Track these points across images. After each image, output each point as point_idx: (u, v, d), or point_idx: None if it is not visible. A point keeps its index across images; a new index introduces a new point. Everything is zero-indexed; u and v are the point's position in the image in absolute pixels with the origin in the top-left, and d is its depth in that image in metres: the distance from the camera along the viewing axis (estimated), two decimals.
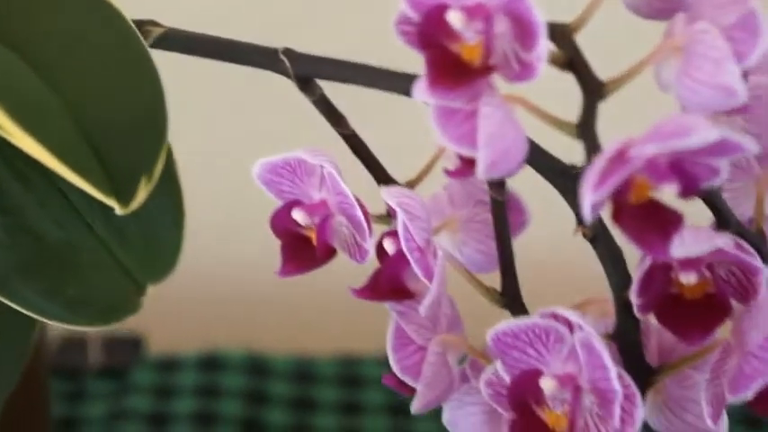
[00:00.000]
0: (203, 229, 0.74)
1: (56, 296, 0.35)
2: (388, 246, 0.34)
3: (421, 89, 0.29)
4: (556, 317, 0.31)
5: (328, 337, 0.74)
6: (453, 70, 0.29)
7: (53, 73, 0.34)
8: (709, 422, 0.32)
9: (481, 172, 0.29)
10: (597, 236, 0.32)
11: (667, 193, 0.28)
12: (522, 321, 0.31)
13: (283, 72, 0.36)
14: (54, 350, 0.71)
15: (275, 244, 0.36)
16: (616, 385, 0.30)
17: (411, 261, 0.33)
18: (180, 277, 0.71)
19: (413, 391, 0.35)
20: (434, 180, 0.38)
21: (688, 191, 0.28)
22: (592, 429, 0.31)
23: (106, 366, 0.71)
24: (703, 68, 0.29)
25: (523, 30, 0.29)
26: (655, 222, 0.28)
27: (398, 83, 0.33)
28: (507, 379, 0.32)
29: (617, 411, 0.30)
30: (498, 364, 0.32)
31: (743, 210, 0.35)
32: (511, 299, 0.35)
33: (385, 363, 0.70)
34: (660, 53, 0.30)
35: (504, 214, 0.35)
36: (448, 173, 0.34)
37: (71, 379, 0.70)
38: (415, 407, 0.35)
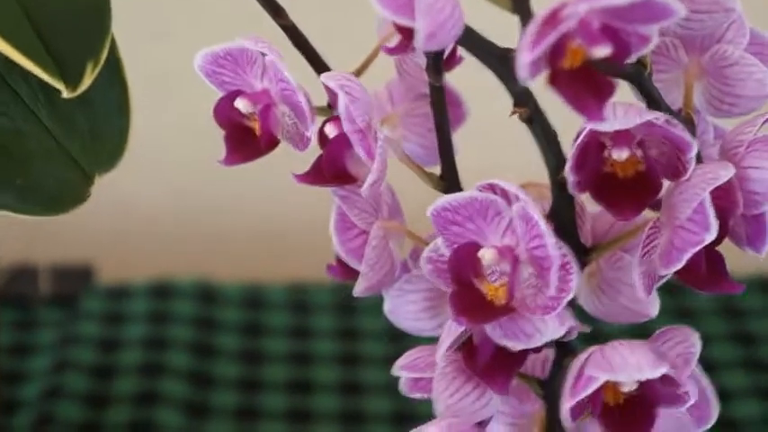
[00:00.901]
0: (155, 160, 0.75)
1: (4, 186, 0.36)
2: (330, 130, 0.35)
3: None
4: (494, 189, 0.32)
5: (279, 267, 0.74)
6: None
7: None
8: (642, 295, 0.33)
9: (420, 42, 0.30)
10: (533, 117, 0.33)
11: None
12: (461, 195, 0.32)
13: None
14: (3, 279, 0.72)
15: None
16: (553, 251, 0.31)
17: (353, 142, 0.34)
18: (131, 208, 0.71)
19: (356, 275, 0.36)
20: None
21: (620, 56, 0.29)
22: (529, 300, 0.32)
23: (56, 295, 0.72)
24: None
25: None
26: (590, 87, 0.29)
27: None
28: (447, 254, 0.33)
29: (554, 278, 0.31)
30: (439, 240, 0.33)
31: (672, 98, 0.36)
32: (450, 183, 0.36)
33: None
34: None
35: (442, 100, 0.35)
36: (388, 50, 0.35)
37: (21, 308, 0.71)
38: (358, 290, 0.36)
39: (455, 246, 0.33)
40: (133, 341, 0.68)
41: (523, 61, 0.28)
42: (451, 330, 0.33)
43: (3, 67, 0.35)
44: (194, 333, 0.69)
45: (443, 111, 0.36)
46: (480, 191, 0.32)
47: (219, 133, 0.36)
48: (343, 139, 0.34)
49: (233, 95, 0.36)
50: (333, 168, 0.35)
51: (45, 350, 0.68)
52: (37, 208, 0.36)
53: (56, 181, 0.36)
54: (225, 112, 0.36)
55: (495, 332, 0.33)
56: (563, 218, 0.34)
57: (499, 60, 0.33)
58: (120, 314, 0.70)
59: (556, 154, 0.34)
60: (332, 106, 0.36)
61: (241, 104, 0.36)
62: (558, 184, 0.34)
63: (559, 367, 0.35)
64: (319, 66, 0.37)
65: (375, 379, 0.67)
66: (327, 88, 0.35)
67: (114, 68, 0.36)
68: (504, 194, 0.32)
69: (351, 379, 0.67)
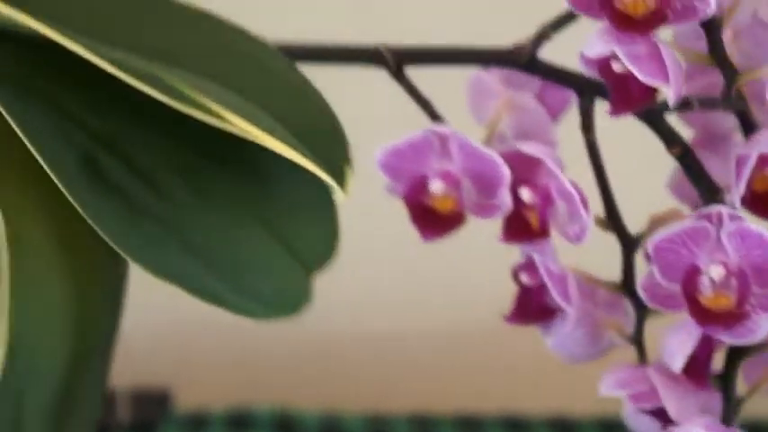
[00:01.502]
0: None
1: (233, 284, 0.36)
2: (525, 279, 0.40)
3: None
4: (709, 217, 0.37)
5: (358, 397, 0.74)
6: None
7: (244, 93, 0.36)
8: None
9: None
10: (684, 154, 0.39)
11: None
12: (676, 226, 0.37)
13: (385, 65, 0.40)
14: None
15: None
16: None
17: (551, 289, 0.38)
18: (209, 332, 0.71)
19: None
20: None
21: None
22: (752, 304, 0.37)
23: (134, 422, 0.71)
24: None
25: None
26: None
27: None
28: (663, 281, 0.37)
29: None
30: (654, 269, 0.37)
31: None
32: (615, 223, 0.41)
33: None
34: None
35: (597, 154, 0.40)
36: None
37: None
38: None
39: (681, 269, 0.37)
40: None
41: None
42: (688, 341, 0.38)
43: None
44: None
45: (599, 163, 0.40)
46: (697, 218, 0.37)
47: None
48: (541, 285, 0.39)
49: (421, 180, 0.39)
50: (538, 311, 0.40)
51: None
52: (264, 309, 0.37)
53: (280, 278, 0.37)
54: (416, 196, 0.39)
55: (727, 335, 0.37)
56: None
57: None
58: None
59: (708, 184, 0.39)
60: None
61: (436, 186, 0.39)
62: None
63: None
64: None
65: None
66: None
67: None
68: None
69: None
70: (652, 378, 0.39)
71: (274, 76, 0.37)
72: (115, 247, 0.35)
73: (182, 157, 0.37)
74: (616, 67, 0.36)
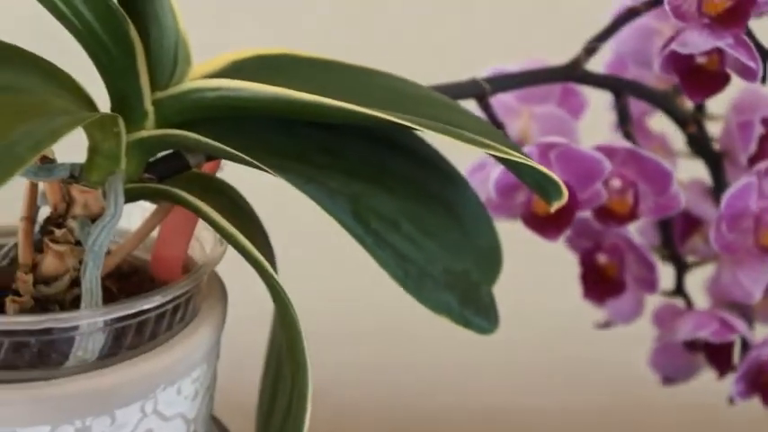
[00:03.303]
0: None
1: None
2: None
3: None
4: None
5: None
6: None
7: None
8: None
9: None
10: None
11: None
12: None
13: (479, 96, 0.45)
14: None
15: None
16: None
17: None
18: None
19: None
20: None
21: None
22: None
23: None
24: None
25: None
26: None
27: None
28: None
29: None
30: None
31: None
32: None
33: None
34: None
35: None
36: None
37: None
38: None
39: None
40: None
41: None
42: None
43: None
44: None
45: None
46: None
47: None
48: None
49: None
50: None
51: None
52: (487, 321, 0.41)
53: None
54: None
55: None
56: None
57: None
58: None
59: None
60: None
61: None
62: None
63: None
64: None
65: None
66: None
67: None
68: None
69: None
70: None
71: (454, 107, 0.41)
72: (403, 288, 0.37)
73: (409, 207, 0.39)
74: (700, 60, 0.44)
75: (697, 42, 0.43)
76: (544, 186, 0.38)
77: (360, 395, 0.66)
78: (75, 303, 0.37)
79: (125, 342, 0.36)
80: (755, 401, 0.49)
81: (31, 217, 0.38)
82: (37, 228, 0.38)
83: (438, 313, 0.38)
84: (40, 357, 0.35)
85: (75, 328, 0.35)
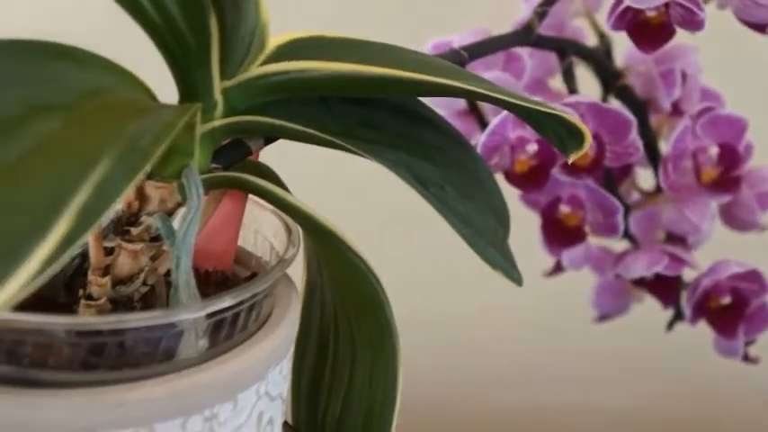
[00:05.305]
0: None
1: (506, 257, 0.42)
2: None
3: None
4: None
5: None
6: None
7: None
8: None
9: None
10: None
11: None
12: None
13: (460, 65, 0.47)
14: None
15: None
16: None
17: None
18: None
19: None
20: None
21: None
22: None
23: None
24: None
25: None
26: None
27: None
28: None
29: None
30: None
31: None
32: None
33: None
34: None
35: None
36: None
37: None
38: None
39: None
40: None
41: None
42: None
43: None
44: None
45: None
46: None
47: None
48: None
49: None
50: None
51: None
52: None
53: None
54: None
55: None
56: None
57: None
58: None
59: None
60: None
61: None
62: None
63: None
64: None
65: None
66: None
67: None
68: None
69: None
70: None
71: (471, 74, 0.43)
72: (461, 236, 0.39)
73: (446, 173, 0.41)
74: (649, 14, 0.48)
75: None
76: (563, 138, 0.40)
77: None
78: (143, 301, 0.37)
79: (222, 332, 0.36)
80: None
81: None
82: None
83: (496, 269, 0.40)
84: (148, 354, 0.35)
85: (179, 323, 0.35)
